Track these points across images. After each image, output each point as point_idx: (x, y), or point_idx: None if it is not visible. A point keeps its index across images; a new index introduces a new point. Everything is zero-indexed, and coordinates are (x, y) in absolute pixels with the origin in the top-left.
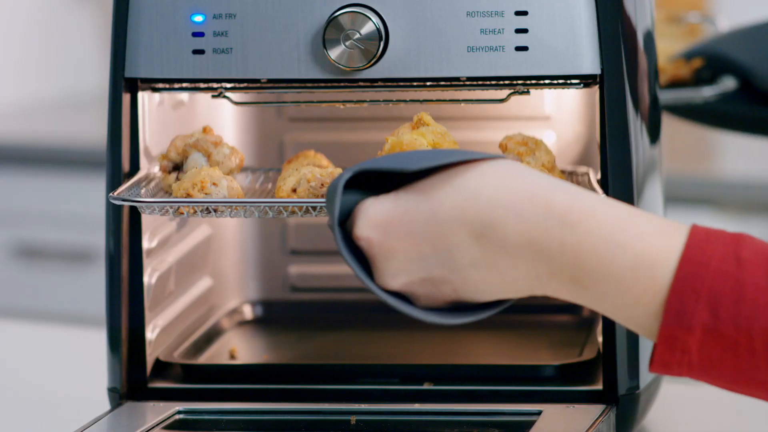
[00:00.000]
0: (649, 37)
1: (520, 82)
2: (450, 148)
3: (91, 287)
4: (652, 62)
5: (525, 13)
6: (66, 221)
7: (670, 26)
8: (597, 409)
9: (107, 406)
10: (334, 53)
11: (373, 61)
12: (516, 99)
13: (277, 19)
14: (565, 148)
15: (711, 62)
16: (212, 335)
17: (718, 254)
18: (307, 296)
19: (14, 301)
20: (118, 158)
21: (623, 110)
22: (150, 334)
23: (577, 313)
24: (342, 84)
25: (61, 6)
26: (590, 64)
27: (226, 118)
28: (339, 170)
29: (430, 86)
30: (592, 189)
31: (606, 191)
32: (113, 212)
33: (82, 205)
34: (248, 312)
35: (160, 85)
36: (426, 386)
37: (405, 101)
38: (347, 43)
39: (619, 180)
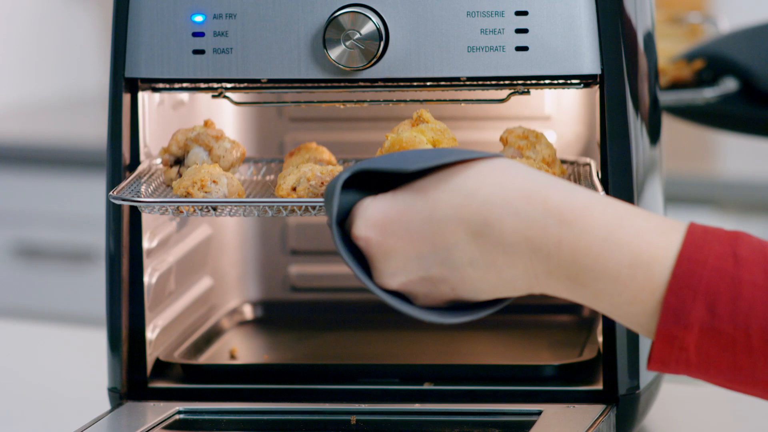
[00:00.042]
0: (649, 38)
1: (520, 82)
2: (448, 147)
3: (91, 287)
4: (653, 63)
5: (525, 13)
6: (66, 221)
7: (672, 27)
8: (597, 409)
9: (107, 406)
10: (334, 53)
11: (373, 61)
12: (516, 99)
13: (278, 19)
14: (565, 148)
15: (712, 63)
16: (212, 335)
17: (716, 252)
18: (307, 296)
19: (14, 301)
20: (119, 158)
21: (623, 110)
22: (150, 334)
23: (578, 314)
24: (342, 84)
25: (62, 6)
26: (590, 64)
27: (226, 118)
28: (339, 168)
29: (431, 86)
30: (593, 180)
31: (606, 191)
32: (113, 212)
33: (82, 205)
34: (248, 312)
35: (161, 85)
36: (426, 386)
37: (405, 101)
38: (347, 43)
39: (619, 180)
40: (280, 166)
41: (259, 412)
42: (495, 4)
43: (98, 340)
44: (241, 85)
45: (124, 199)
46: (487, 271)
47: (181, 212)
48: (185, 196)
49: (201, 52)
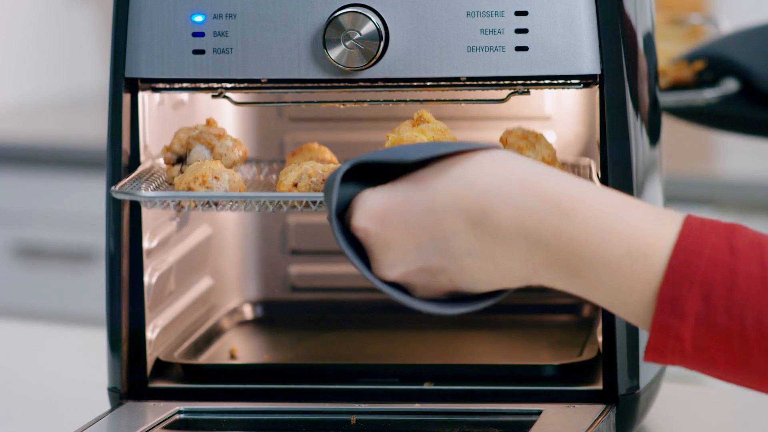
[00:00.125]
0: (649, 38)
1: (520, 82)
2: (447, 141)
3: (91, 287)
4: (653, 63)
5: (525, 13)
6: (66, 221)
7: (672, 28)
8: (597, 408)
9: (107, 406)
10: (334, 53)
11: (373, 61)
12: (516, 99)
13: (278, 19)
14: (565, 148)
15: (713, 64)
16: (212, 335)
17: (712, 243)
18: (308, 296)
19: (14, 301)
20: (119, 158)
21: (623, 110)
22: (150, 333)
23: (578, 314)
24: (342, 84)
25: (62, 6)
26: (590, 65)
27: (226, 118)
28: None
29: (430, 86)
30: (593, 181)
31: None
32: (113, 212)
33: (82, 205)
34: (248, 312)
35: (161, 85)
36: (426, 386)
37: (405, 101)
38: (347, 43)
39: (619, 180)
40: (282, 166)
41: (259, 412)
42: (495, 4)
43: (98, 339)
44: (241, 85)
45: (125, 193)
46: (485, 262)
47: (183, 207)
48: (187, 191)
49: (201, 52)
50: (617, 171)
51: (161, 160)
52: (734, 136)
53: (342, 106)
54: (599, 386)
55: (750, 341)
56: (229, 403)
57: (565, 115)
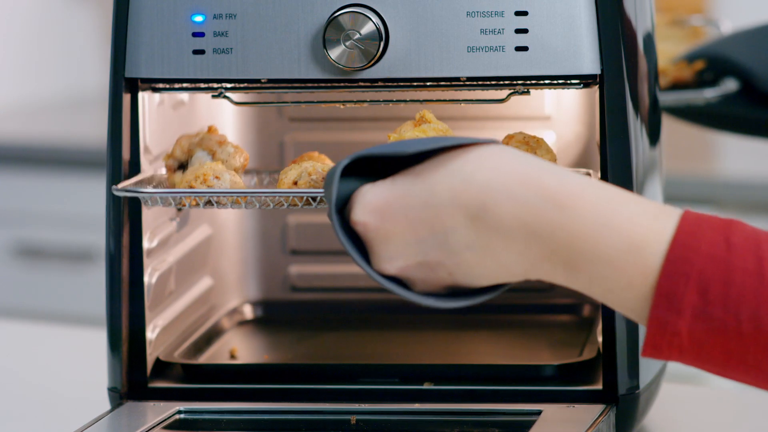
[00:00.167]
0: (649, 39)
1: (520, 82)
2: (446, 136)
3: (91, 287)
4: (652, 64)
5: (525, 13)
6: (66, 221)
7: (673, 29)
8: (597, 408)
9: (107, 406)
10: (334, 53)
11: (373, 61)
12: (516, 99)
13: (278, 19)
14: (565, 148)
15: (713, 64)
16: (212, 335)
17: (709, 238)
18: (308, 296)
19: (15, 301)
20: (119, 158)
21: (623, 110)
22: (150, 333)
23: (578, 313)
24: (342, 84)
25: (62, 6)
26: (590, 65)
27: (226, 118)
28: None
29: (430, 86)
30: None
31: None
32: (114, 212)
33: (82, 205)
34: (248, 312)
35: (161, 85)
36: (426, 386)
37: (405, 101)
38: (347, 44)
39: (619, 180)
40: None
41: (259, 412)
42: (495, 5)
43: (98, 339)
44: (241, 85)
45: (127, 191)
46: (484, 256)
47: (184, 205)
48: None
49: (201, 52)
50: (617, 171)
51: (163, 170)
52: (734, 136)
53: (342, 106)
54: (599, 386)
55: (746, 336)
56: (229, 403)
57: (565, 115)
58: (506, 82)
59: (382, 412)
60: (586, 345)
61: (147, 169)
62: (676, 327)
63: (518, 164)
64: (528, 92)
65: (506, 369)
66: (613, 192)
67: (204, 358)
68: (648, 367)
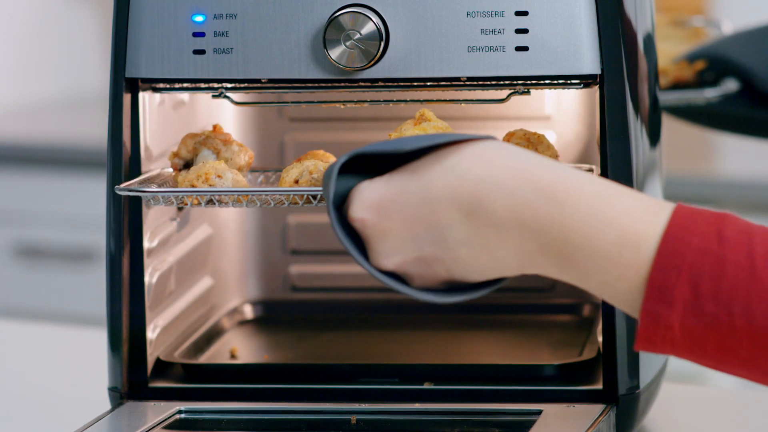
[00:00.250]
0: (649, 39)
1: (520, 82)
2: (442, 133)
3: (91, 287)
4: (653, 64)
5: (525, 13)
6: (67, 221)
7: (674, 29)
8: (597, 408)
9: (108, 406)
10: (334, 53)
11: (373, 61)
12: (516, 99)
13: (278, 19)
14: (565, 148)
15: (714, 64)
16: (213, 335)
17: (701, 231)
18: (308, 296)
19: (15, 301)
20: (119, 158)
21: (623, 110)
22: (151, 333)
23: (578, 313)
24: (342, 84)
25: (62, 6)
26: (590, 65)
27: (226, 118)
28: None
29: (431, 86)
30: None
31: None
32: (114, 211)
33: (83, 204)
34: (249, 312)
35: (161, 85)
36: (426, 386)
37: (405, 101)
38: (348, 43)
39: (619, 180)
40: None
41: (259, 412)
42: (495, 5)
43: (99, 339)
44: (242, 85)
45: (130, 190)
46: (479, 251)
47: (185, 204)
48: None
49: (201, 52)
50: (617, 171)
51: (170, 169)
52: (734, 136)
53: (342, 106)
54: (599, 386)
55: (738, 330)
56: (230, 403)
57: (565, 115)
58: (506, 82)
59: (383, 412)
60: (586, 345)
61: (147, 169)
62: (668, 320)
63: (513, 159)
64: (528, 92)
65: (506, 369)
66: (607, 186)
67: (204, 358)
68: (648, 366)
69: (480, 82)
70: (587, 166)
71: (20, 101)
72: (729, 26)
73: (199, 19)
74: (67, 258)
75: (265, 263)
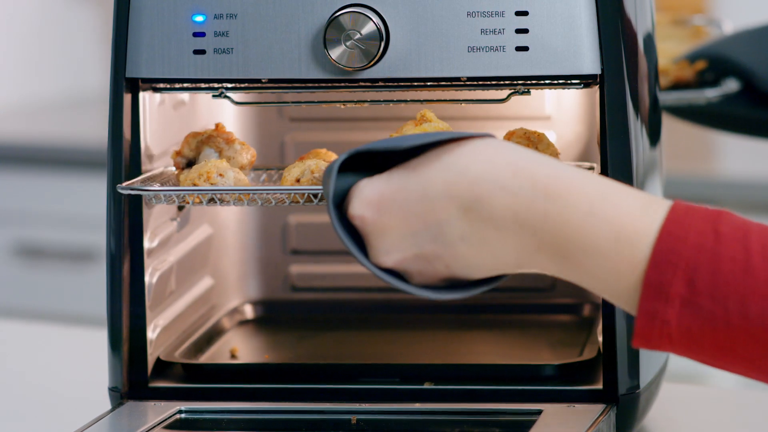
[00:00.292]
0: (649, 39)
1: (520, 82)
2: (442, 131)
3: (92, 287)
4: (653, 64)
5: (525, 13)
6: (67, 221)
7: (675, 29)
8: (597, 408)
9: (108, 406)
10: (334, 53)
11: (373, 61)
12: (516, 99)
13: (278, 20)
14: (565, 148)
15: (714, 64)
16: (213, 335)
17: (697, 228)
18: (308, 296)
19: (15, 301)
20: (120, 158)
21: (623, 110)
22: (151, 333)
23: (578, 313)
24: (343, 84)
25: (63, 6)
26: (590, 65)
27: (227, 118)
28: None
29: (431, 86)
30: None
31: None
32: (114, 211)
33: (83, 204)
34: (249, 311)
35: (161, 85)
36: (426, 386)
37: (406, 101)
38: (348, 43)
39: (619, 180)
40: None
41: (259, 412)
42: (495, 5)
43: (99, 339)
44: (242, 85)
45: (132, 189)
46: (478, 247)
47: (187, 202)
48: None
49: (202, 52)
50: (617, 171)
51: (173, 168)
52: (735, 136)
53: (342, 106)
54: (599, 386)
55: (734, 327)
56: (230, 403)
57: (565, 115)
58: (507, 82)
59: (383, 412)
60: (586, 345)
61: (147, 168)
62: (665, 317)
63: (511, 157)
64: (528, 92)
65: (506, 369)
66: (604, 184)
67: (205, 358)
68: (648, 366)
69: (480, 82)
70: (588, 164)
71: (20, 101)
72: (730, 26)
73: (199, 19)
74: (68, 258)
75: (266, 263)
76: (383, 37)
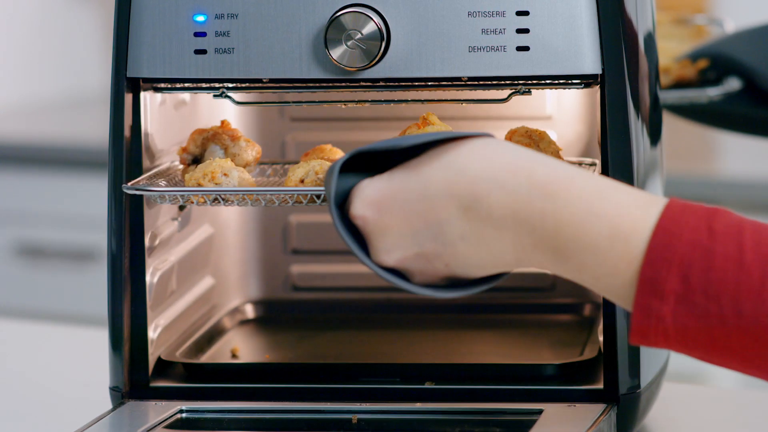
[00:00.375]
0: (650, 38)
1: (521, 82)
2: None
3: (93, 286)
4: (653, 63)
5: (526, 13)
6: (68, 221)
7: (677, 27)
8: (598, 408)
9: (109, 405)
10: (335, 53)
11: (374, 61)
12: (517, 99)
13: (279, 19)
14: (566, 147)
15: (716, 63)
16: (214, 334)
17: (692, 225)
18: (309, 295)
19: (16, 301)
20: (121, 158)
21: (624, 110)
22: (152, 333)
23: (579, 313)
24: (344, 84)
25: (64, 6)
26: (591, 64)
27: (228, 118)
28: None
29: (432, 86)
30: None
31: None
32: (115, 211)
33: (84, 204)
34: (250, 311)
35: (162, 85)
36: (427, 385)
37: (406, 101)
38: (349, 43)
39: (619, 179)
40: None
41: (260, 411)
42: (496, 4)
43: (100, 339)
44: (243, 85)
45: (137, 189)
46: (477, 246)
47: (191, 202)
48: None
49: (203, 51)
50: (618, 170)
51: (178, 163)
52: (736, 134)
53: (343, 106)
54: (600, 385)
55: (728, 323)
56: (231, 403)
57: (566, 114)
58: (507, 82)
59: (384, 412)
60: (587, 344)
61: (148, 167)
62: (660, 313)
63: (510, 156)
64: (529, 92)
65: (507, 368)
66: (601, 182)
67: (205, 358)
68: (649, 366)
69: (481, 82)
70: (590, 159)
71: (20, 101)
72: (731, 25)
73: (200, 18)
74: (68, 258)
75: (267, 263)
76: (384, 36)
